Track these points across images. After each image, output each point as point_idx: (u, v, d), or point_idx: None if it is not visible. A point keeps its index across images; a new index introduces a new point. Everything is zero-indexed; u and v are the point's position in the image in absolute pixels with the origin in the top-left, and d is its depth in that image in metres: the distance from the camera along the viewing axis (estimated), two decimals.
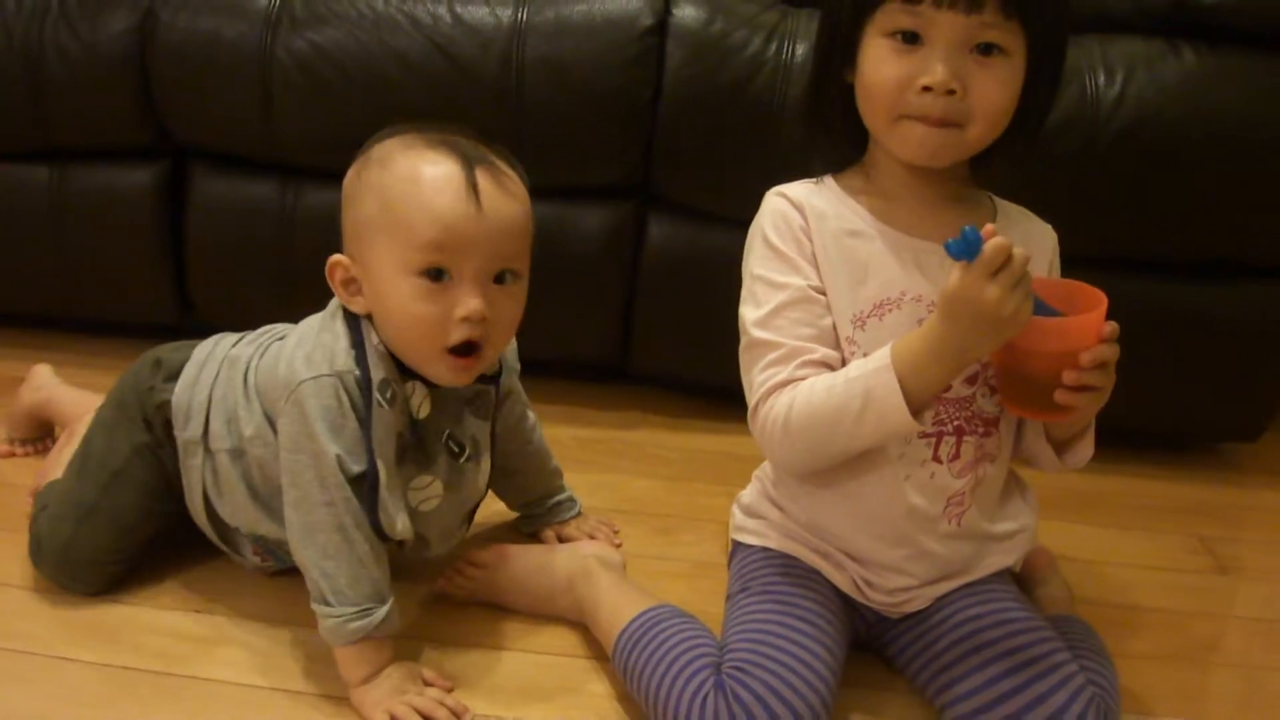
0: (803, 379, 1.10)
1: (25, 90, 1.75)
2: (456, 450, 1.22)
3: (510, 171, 1.14)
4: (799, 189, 1.17)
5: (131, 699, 1.12)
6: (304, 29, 1.66)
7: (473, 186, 1.09)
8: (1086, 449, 1.16)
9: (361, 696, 1.12)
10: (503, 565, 1.30)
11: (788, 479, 1.22)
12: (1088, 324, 1.01)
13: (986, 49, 1.04)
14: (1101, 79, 1.57)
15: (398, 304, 1.10)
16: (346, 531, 1.11)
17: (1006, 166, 1.15)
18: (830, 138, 1.18)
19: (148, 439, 1.26)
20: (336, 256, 1.14)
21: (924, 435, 1.12)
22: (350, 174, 1.15)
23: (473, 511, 1.30)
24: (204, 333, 1.34)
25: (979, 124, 1.06)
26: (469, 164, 1.10)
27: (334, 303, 1.18)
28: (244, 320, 1.36)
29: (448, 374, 1.14)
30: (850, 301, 1.12)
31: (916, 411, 1.03)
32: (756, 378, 1.13)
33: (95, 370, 1.49)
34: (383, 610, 1.12)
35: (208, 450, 1.23)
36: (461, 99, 1.64)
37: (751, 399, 1.14)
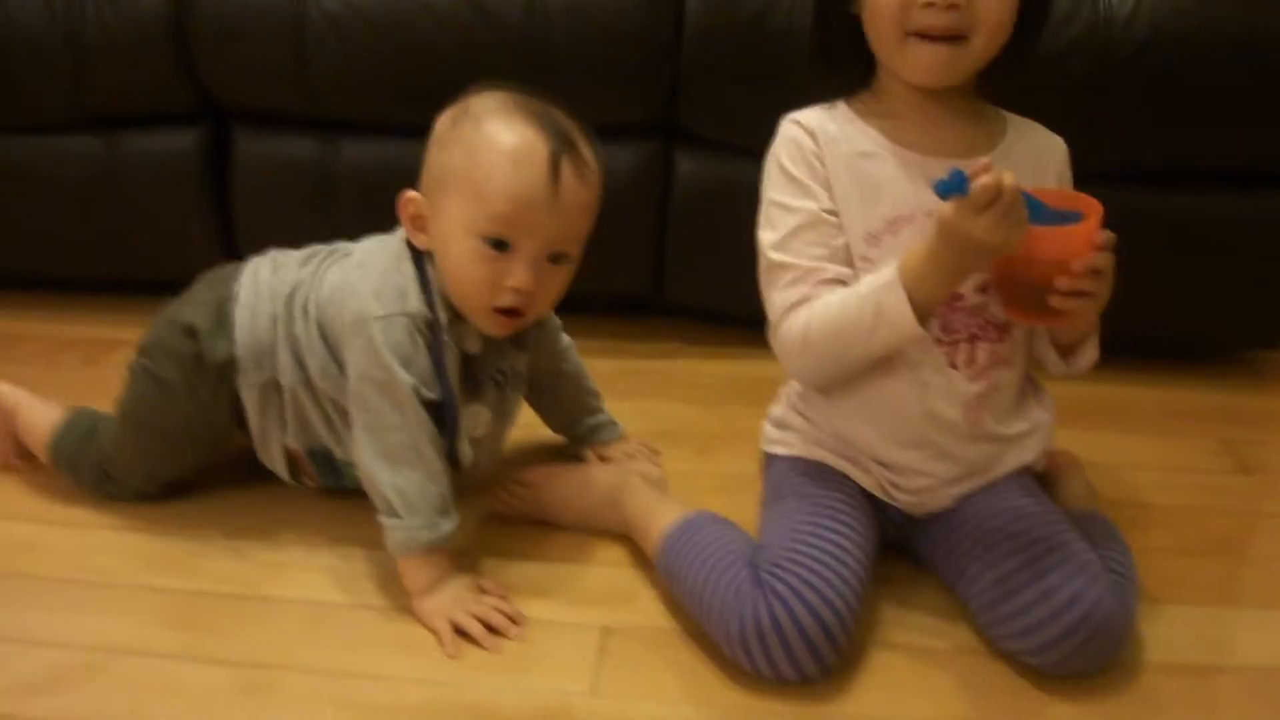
0: (818, 297, 1.16)
1: (69, 62, 1.80)
2: (500, 380, 1.30)
3: (592, 160, 1.21)
4: (812, 115, 1.22)
5: (211, 621, 1.20)
6: None
7: (555, 170, 1.15)
8: (1091, 353, 1.21)
9: (424, 605, 1.19)
10: (550, 484, 1.37)
11: (812, 392, 1.27)
12: (1081, 232, 1.06)
13: None
14: None
15: (457, 257, 1.17)
16: (420, 450, 1.18)
17: (1013, 76, 1.18)
18: (838, 68, 1.22)
19: (197, 405, 1.31)
20: (411, 193, 1.20)
21: (940, 344, 1.17)
22: (444, 119, 1.21)
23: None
24: None
25: (982, 33, 1.10)
26: (557, 146, 1.15)
27: (399, 240, 1.24)
28: None
29: (490, 326, 1.23)
30: (864, 220, 1.17)
31: (923, 319, 1.09)
32: (775, 297, 1.19)
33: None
34: (448, 523, 1.20)
35: (280, 387, 1.29)
36: (489, 46, 1.69)
37: (771, 317, 1.20)
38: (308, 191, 1.84)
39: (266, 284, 1.30)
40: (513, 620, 1.18)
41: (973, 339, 1.18)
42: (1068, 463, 1.45)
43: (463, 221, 1.16)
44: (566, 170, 1.15)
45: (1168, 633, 1.20)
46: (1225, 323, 1.85)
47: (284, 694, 1.09)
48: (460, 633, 1.16)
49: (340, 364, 1.23)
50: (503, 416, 1.33)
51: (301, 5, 1.72)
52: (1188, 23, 1.59)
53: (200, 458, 1.38)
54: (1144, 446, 1.63)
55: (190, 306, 1.32)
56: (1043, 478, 1.37)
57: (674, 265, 1.87)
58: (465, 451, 1.25)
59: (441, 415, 1.21)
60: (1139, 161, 1.67)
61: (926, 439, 1.21)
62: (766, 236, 1.20)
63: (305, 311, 1.26)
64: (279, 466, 1.35)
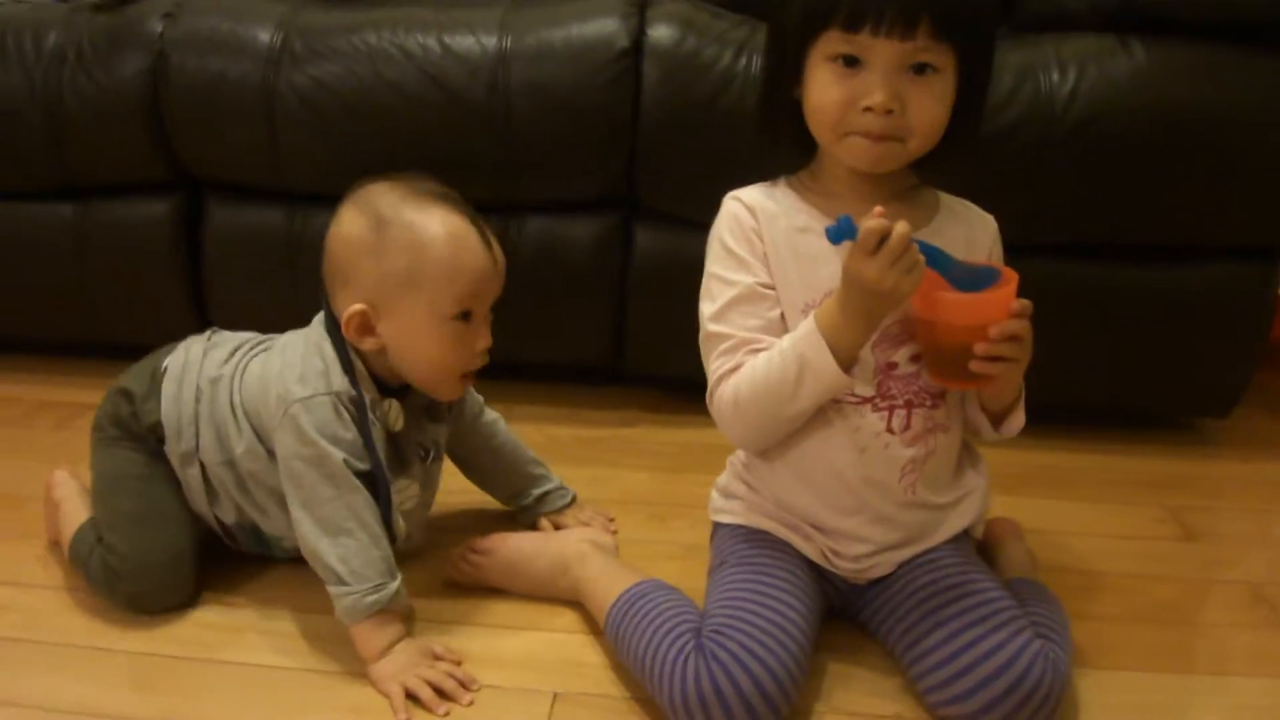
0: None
1: (47, 132, 1.85)
2: (423, 454, 1.36)
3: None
4: (753, 192, 1.27)
5: (171, 684, 1.22)
6: (304, 65, 1.76)
7: (486, 242, 1.26)
8: (1018, 419, 1.26)
9: (377, 671, 1.21)
10: (502, 551, 1.40)
11: (755, 461, 1.31)
12: (994, 300, 1.11)
13: (921, 68, 1.12)
14: (1055, 76, 1.65)
15: (431, 344, 1.26)
16: (358, 516, 1.23)
17: (948, 163, 1.23)
18: (782, 146, 1.27)
19: (148, 452, 1.37)
20: (357, 307, 1.24)
21: (876, 409, 1.21)
22: (354, 225, 1.25)
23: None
24: None
25: (917, 137, 1.15)
26: (473, 220, 1.26)
27: (316, 329, 1.30)
28: None
29: (456, 391, 1.33)
30: (803, 292, 1.21)
31: (845, 366, 1.14)
32: (712, 365, 1.24)
33: None
34: (394, 584, 1.23)
35: (201, 462, 1.33)
36: (454, 123, 1.74)
37: (709, 385, 1.25)
38: (277, 260, 1.88)
39: (196, 361, 1.37)
40: (464, 686, 1.21)
41: (908, 405, 1.22)
42: (1007, 530, 1.49)
43: (430, 312, 1.23)
44: (490, 239, 1.27)
45: (1113, 698, 1.23)
46: (1174, 392, 1.89)
47: None
48: (411, 697, 1.19)
49: (269, 449, 1.27)
50: (428, 488, 1.39)
51: (272, 82, 1.77)
52: (1125, 103, 1.65)
53: (180, 533, 1.36)
54: (1090, 514, 1.66)
55: (129, 375, 1.41)
56: (983, 544, 1.41)
57: (634, 334, 1.91)
58: (399, 524, 1.29)
59: (375, 488, 1.25)
60: (1084, 235, 1.72)
61: (864, 504, 1.24)
62: (706, 308, 1.25)
63: (230, 401, 1.32)
64: (215, 528, 1.39)
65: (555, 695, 1.21)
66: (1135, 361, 1.82)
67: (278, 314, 1.85)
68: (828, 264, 1.20)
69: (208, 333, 1.43)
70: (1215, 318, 1.79)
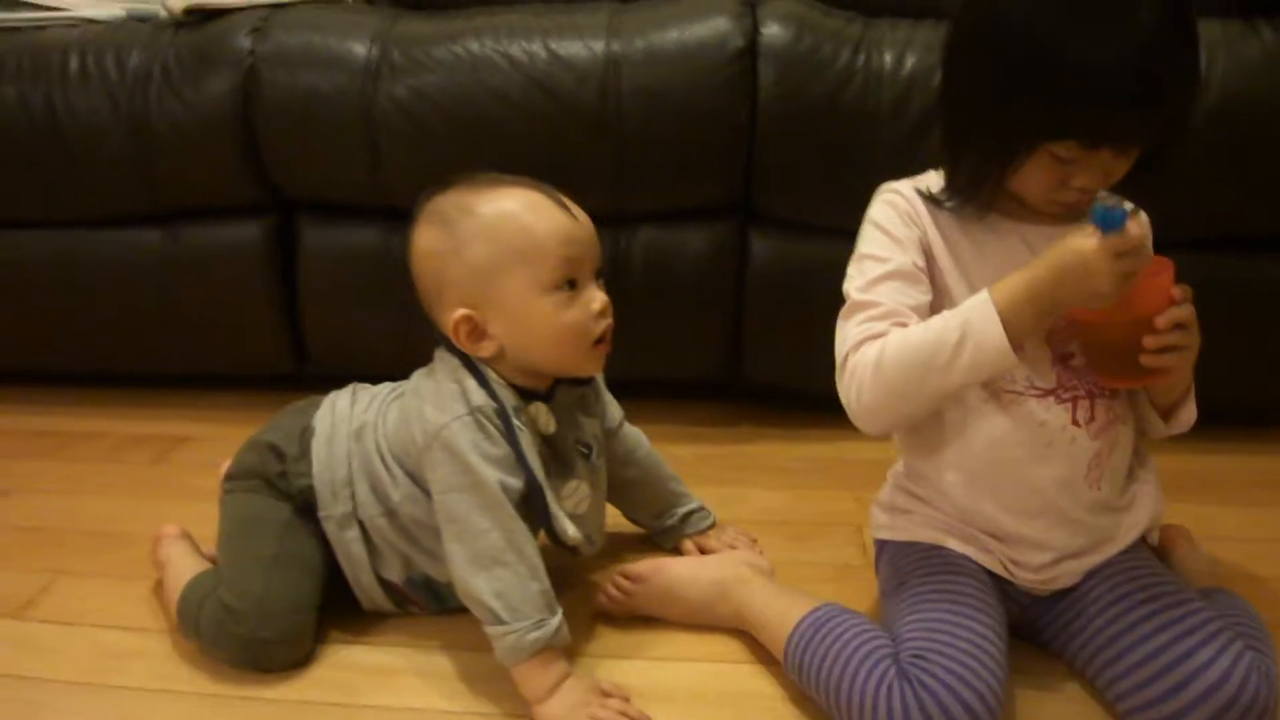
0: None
1: (133, 155, 1.80)
2: (585, 451, 1.30)
3: None
4: (911, 183, 1.23)
5: None
6: (404, 76, 1.71)
7: (563, 205, 1.22)
8: (1189, 413, 1.21)
9: (545, 712, 1.15)
10: (657, 577, 1.34)
11: (923, 470, 1.25)
12: (1152, 289, 1.07)
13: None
14: None
15: (543, 320, 1.19)
16: (518, 549, 1.16)
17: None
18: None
19: (293, 507, 1.30)
20: (461, 312, 1.19)
21: (1060, 401, 1.16)
22: (429, 237, 1.22)
23: None
24: (321, 380, 1.39)
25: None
26: (545, 190, 1.22)
27: (440, 360, 1.25)
28: (359, 364, 1.39)
29: (594, 364, 1.27)
30: (971, 276, 1.17)
31: (1014, 349, 1.08)
32: (851, 331, 1.16)
33: (217, 424, 1.53)
34: (555, 619, 1.17)
35: (359, 520, 1.28)
36: (563, 132, 1.69)
37: (842, 351, 1.17)
38: (375, 281, 1.83)
39: (344, 418, 1.32)
40: None
41: (1090, 395, 1.18)
42: (1181, 536, 1.42)
43: (530, 289, 1.18)
44: (566, 203, 1.22)
45: None
46: None
47: None
48: None
49: (425, 490, 1.22)
50: (598, 488, 1.32)
51: (370, 94, 1.71)
52: (1259, 88, 1.60)
53: (311, 585, 1.29)
54: (1238, 517, 1.60)
55: (275, 431, 1.35)
56: (1158, 553, 1.35)
57: (750, 346, 1.85)
58: (569, 530, 1.23)
59: (530, 504, 1.19)
60: (1222, 227, 1.68)
61: (1049, 505, 1.18)
62: (852, 284, 1.19)
63: (378, 449, 1.27)
64: (379, 598, 1.32)
65: None
66: (1270, 357, 1.77)
67: (377, 337, 1.85)
68: (995, 250, 1.17)
69: (350, 388, 1.38)
70: None
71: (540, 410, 1.24)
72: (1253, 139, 1.61)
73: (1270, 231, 1.70)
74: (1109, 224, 1.01)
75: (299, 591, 1.27)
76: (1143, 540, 1.26)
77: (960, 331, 1.08)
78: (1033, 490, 1.18)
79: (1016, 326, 1.07)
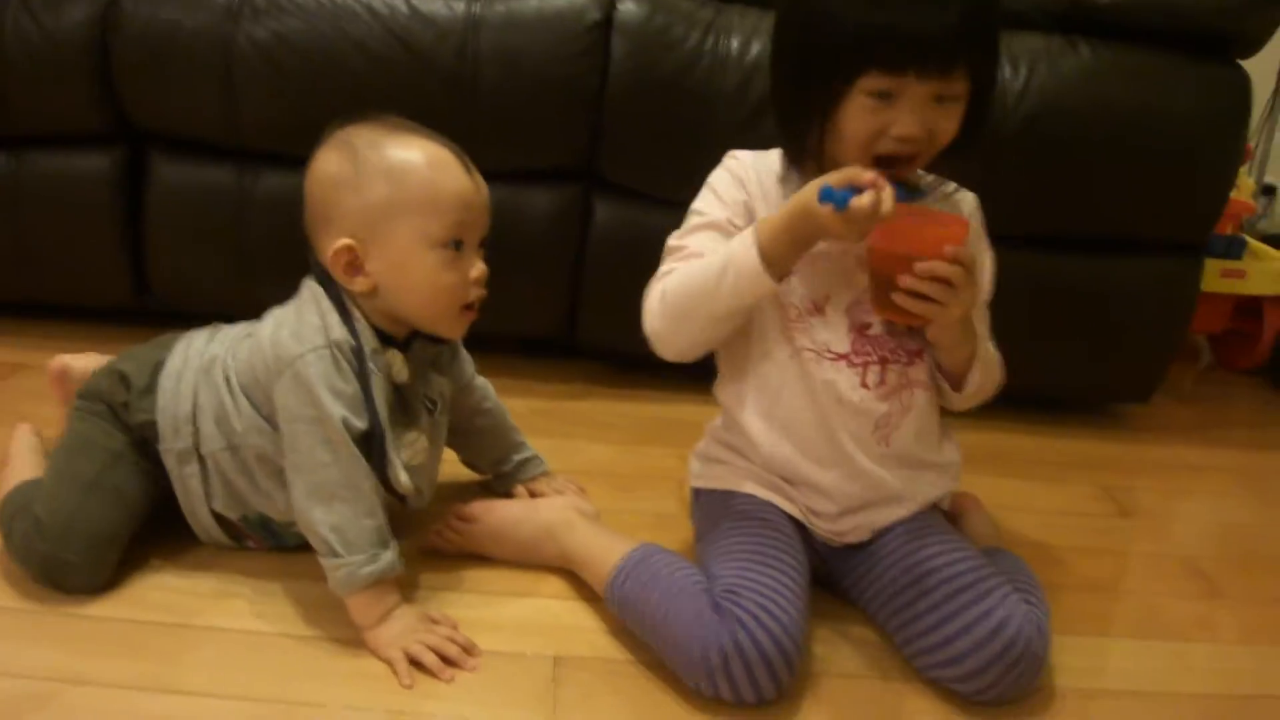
0: None
1: None
2: (431, 406, 1.34)
3: None
4: (755, 154, 1.33)
5: (149, 649, 1.17)
6: (266, 18, 1.72)
7: (468, 169, 1.23)
8: (975, 384, 1.30)
9: (376, 637, 1.20)
10: (489, 517, 1.40)
11: (738, 420, 1.34)
12: (929, 236, 1.15)
13: (941, 98, 1.17)
14: (1008, 71, 1.72)
15: (423, 274, 1.22)
16: (356, 485, 1.20)
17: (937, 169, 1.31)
18: (801, 161, 1.29)
19: (132, 440, 1.31)
20: (343, 241, 1.20)
21: (851, 365, 1.27)
22: (330, 162, 1.22)
23: None
24: (161, 316, 1.38)
25: (932, 152, 1.21)
26: (454, 149, 1.24)
27: (307, 290, 1.26)
28: (201, 301, 1.38)
29: (458, 328, 1.30)
30: None
31: (772, 273, 1.18)
32: (661, 271, 1.29)
33: (53, 352, 1.50)
34: (389, 554, 1.21)
35: (200, 456, 1.29)
36: (419, 86, 1.73)
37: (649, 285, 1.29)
38: (224, 220, 1.83)
39: (197, 353, 1.32)
40: (467, 651, 1.20)
41: (883, 361, 1.28)
42: (970, 503, 1.55)
43: (418, 239, 1.21)
44: (470, 168, 1.25)
45: (1079, 661, 1.30)
46: (1101, 379, 2.00)
47: None
48: (414, 663, 1.18)
49: (271, 421, 1.24)
50: (436, 443, 1.36)
51: (231, 34, 1.72)
52: (1072, 101, 1.73)
53: (122, 517, 1.29)
54: (1032, 490, 1.75)
55: (131, 360, 1.36)
56: (948, 516, 1.46)
57: (588, 307, 1.92)
58: (403, 480, 1.25)
59: (369, 447, 1.22)
60: (1028, 227, 1.79)
61: (842, 457, 1.29)
62: (675, 232, 1.31)
63: (227, 381, 1.28)
64: (216, 534, 1.33)
65: (556, 659, 1.22)
66: (1067, 349, 1.92)
67: (222, 278, 1.85)
68: None
69: (211, 326, 1.38)
70: (1144, 309, 1.89)
71: (396, 358, 1.26)
72: (1062, 148, 1.74)
73: (1074, 233, 1.84)
74: (833, 202, 1.10)
75: (109, 520, 1.27)
76: (935, 506, 1.37)
77: (725, 259, 1.20)
78: (826, 440, 1.29)
79: (773, 254, 1.18)
